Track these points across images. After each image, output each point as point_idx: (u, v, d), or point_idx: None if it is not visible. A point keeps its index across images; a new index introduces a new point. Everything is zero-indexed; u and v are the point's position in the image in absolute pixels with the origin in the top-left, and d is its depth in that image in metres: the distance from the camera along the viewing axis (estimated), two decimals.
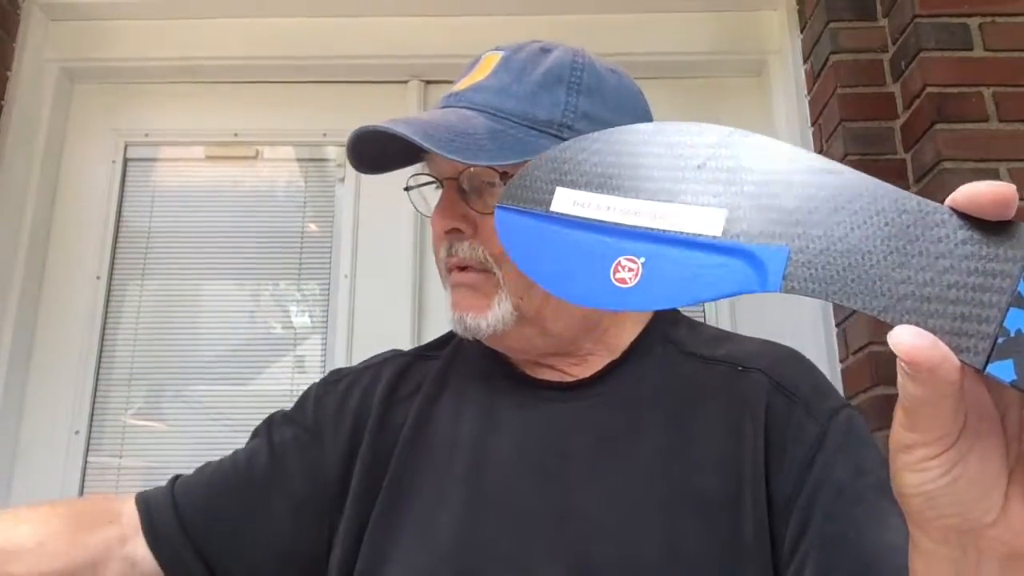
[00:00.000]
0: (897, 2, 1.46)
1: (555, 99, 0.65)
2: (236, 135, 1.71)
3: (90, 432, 1.54)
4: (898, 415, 0.34)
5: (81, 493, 1.51)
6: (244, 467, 0.73)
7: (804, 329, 1.54)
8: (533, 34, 1.83)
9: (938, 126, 1.33)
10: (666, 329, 0.71)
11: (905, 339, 0.31)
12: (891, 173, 1.43)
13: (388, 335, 1.57)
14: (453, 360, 0.75)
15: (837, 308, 1.51)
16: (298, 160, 1.73)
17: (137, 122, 1.71)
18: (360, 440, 0.70)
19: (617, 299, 0.39)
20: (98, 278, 1.61)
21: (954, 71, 1.36)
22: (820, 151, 1.58)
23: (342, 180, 1.69)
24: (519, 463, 0.65)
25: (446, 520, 0.64)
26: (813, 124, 1.62)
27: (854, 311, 1.41)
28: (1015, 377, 0.30)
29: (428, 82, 1.73)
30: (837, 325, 1.51)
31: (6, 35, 1.63)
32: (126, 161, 1.70)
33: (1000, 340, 0.30)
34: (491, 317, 0.65)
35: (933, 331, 0.31)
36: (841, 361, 1.48)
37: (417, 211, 0.73)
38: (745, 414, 0.63)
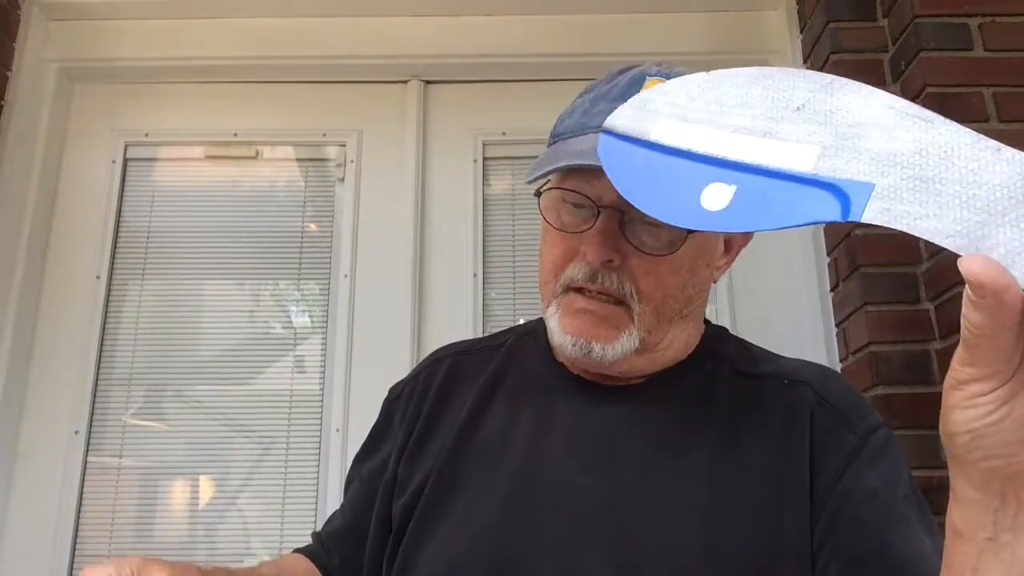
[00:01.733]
0: (897, 2, 1.46)
1: None
2: (236, 135, 1.71)
3: (90, 432, 1.54)
4: (958, 352, 0.35)
5: (81, 493, 1.51)
6: (360, 512, 0.78)
7: (804, 329, 1.54)
8: (533, 33, 1.83)
9: None
10: (715, 346, 0.73)
11: (975, 264, 0.33)
12: None
13: (388, 335, 1.57)
14: (508, 359, 0.77)
15: (837, 308, 1.51)
16: (298, 160, 1.73)
17: (137, 122, 1.71)
18: (411, 437, 0.74)
19: (704, 220, 0.42)
20: (98, 278, 1.61)
21: (954, 71, 1.36)
22: None
23: (342, 180, 1.69)
24: (570, 460, 0.66)
25: (490, 508, 0.66)
26: None
27: (855, 311, 1.41)
28: None
29: (428, 82, 1.73)
30: (837, 325, 1.51)
31: (6, 35, 1.63)
32: (126, 161, 1.70)
33: None
34: (618, 348, 0.66)
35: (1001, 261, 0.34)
36: (841, 361, 1.48)
37: (548, 222, 0.69)
38: (792, 424, 0.65)
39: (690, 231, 0.66)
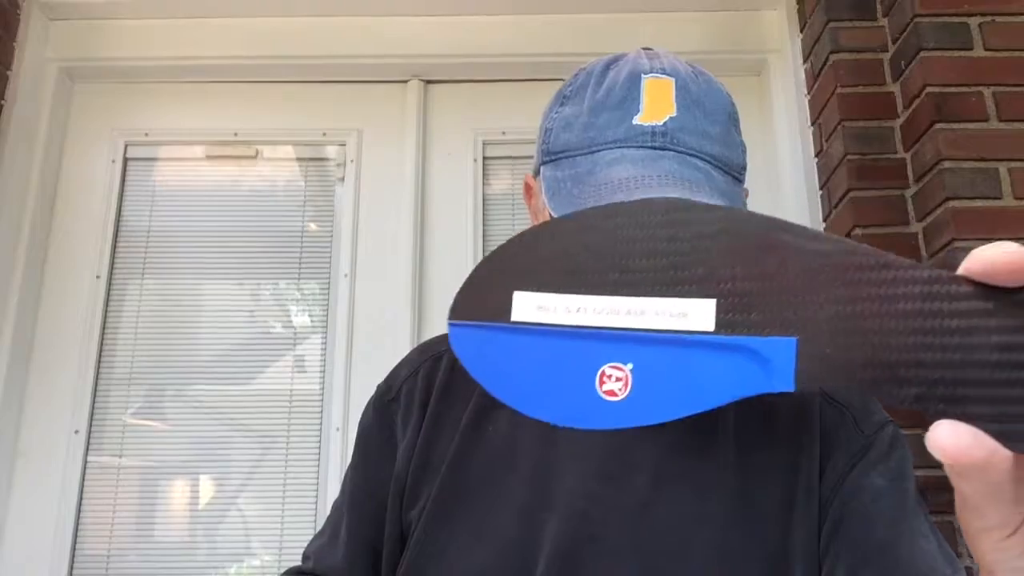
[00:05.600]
0: (897, 1, 1.46)
1: (736, 140, 0.64)
2: (236, 135, 1.71)
3: (90, 432, 1.54)
4: (957, 502, 0.31)
5: (81, 493, 1.51)
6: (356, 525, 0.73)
7: None
8: (533, 33, 1.84)
9: (938, 126, 1.33)
10: None
11: (944, 441, 0.28)
12: (891, 173, 1.43)
13: (388, 335, 1.57)
14: None
15: None
16: (298, 160, 1.73)
17: (137, 122, 1.71)
18: (418, 440, 0.69)
19: (609, 416, 0.33)
20: (98, 278, 1.61)
21: (954, 71, 1.36)
22: (820, 151, 1.58)
23: (342, 180, 1.69)
24: (584, 467, 0.63)
25: (506, 520, 0.63)
26: (813, 124, 1.62)
27: None
28: None
29: (428, 82, 1.73)
30: None
31: (6, 35, 1.63)
32: (126, 161, 1.70)
33: None
34: None
35: (973, 419, 0.28)
36: None
37: None
38: (802, 424, 0.64)
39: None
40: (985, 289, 0.28)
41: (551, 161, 0.65)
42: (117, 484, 1.53)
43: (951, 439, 0.28)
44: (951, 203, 1.28)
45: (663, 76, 0.62)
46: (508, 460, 0.66)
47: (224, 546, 1.51)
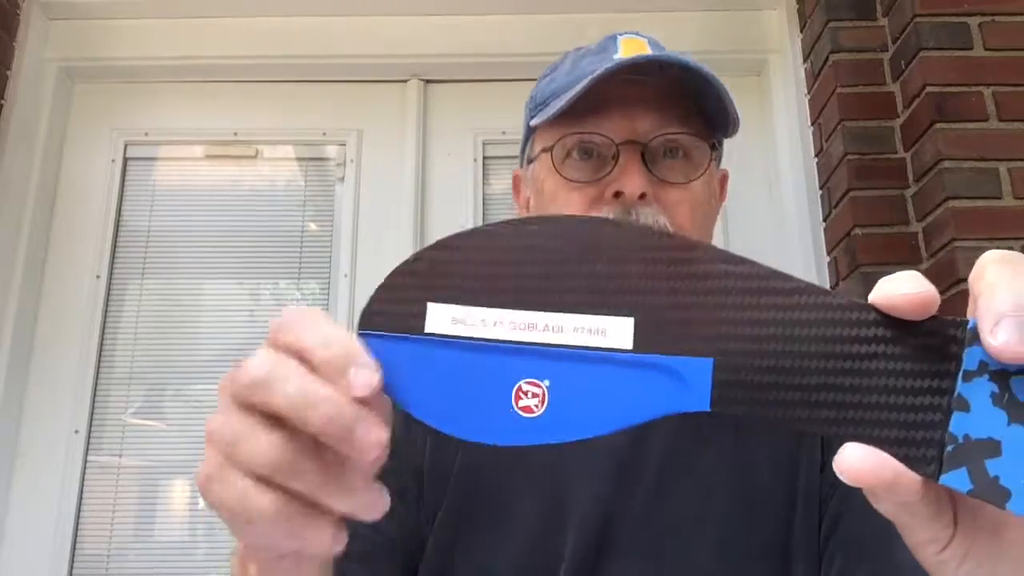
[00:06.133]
0: (897, 1, 1.46)
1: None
2: (236, 134, 1.71)
3: (90, 432, 1.54)
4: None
5: (81, 493, 1.51)
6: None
7: None
8: (533, 33, 1.83)
9: (938, 125, 1.33)
10: None
11: (850, 462, 0.29)
12: (891, 173, 1.43)
13: None
14: None
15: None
16: (298, 159, 1.73)
17: (137, 121, 1.71)
18: (424, 446, 0.69)
19: (525, 432, 0.33)
20: (98, 277, 1.61)
21: (954, 70, 1.36)
22: (820, 151, 1.58)
23: (342, 179, 1.69)
24: (591, 470, 0.64)
25: (519, 523, 0.63)
26: (813, 123, 1.62)
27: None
28: (972, 486, 0.28)
29: (428, 82, 1.73)
30: None
31: (6, 34, 1.63)
32: (126, 160, 1.70)
33: (949, 448, 0.28)
34: None
35: (880, 443, 0.29)
36: None
37: (564, 177, 0.67)
38: None
39: (710, 159, 0.66)
40: (889, 317, 0.29)
41: (539, 111, 0.70)
42: (117, 484, 1.53)
43: (856, 462, 0.28)
44: (951, 203, 1.28)
45: (636, 36, 0.69)
46: (517, 464, 0.65)
47: (224, 546, 1.51)
